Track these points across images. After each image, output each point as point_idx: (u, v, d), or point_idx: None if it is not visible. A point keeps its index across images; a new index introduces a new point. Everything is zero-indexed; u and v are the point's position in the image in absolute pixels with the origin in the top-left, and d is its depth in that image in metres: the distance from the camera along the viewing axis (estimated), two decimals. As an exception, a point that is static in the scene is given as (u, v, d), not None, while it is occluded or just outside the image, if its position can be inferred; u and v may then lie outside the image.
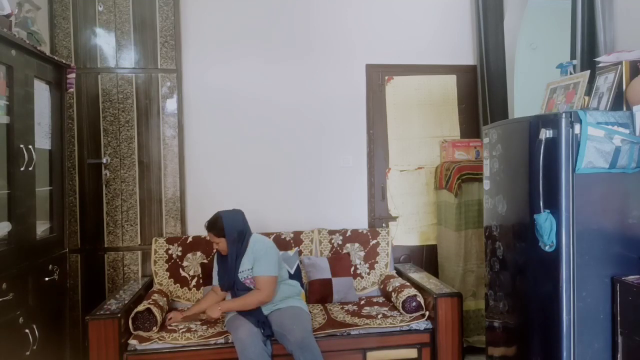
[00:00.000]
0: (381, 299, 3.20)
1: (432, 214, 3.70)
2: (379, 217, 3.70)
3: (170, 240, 3.21)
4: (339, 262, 3.25)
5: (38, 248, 2.39)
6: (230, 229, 2.65)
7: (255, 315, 2.60)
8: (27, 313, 2.21)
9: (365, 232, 3.43)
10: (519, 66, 3.74)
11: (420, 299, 2.87)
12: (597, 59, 2.34)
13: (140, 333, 2.60)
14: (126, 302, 2.68)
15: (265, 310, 2.66)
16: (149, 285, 3.13)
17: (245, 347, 2.43)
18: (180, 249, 3.19)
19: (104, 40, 3.31)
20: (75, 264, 3.24)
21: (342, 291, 3.16)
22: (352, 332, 2.72)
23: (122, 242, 3.32)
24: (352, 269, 3.31)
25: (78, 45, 3.27)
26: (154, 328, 2.63)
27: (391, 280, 3.18)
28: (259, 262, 2.65)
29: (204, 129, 3.49)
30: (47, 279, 2.44)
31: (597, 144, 1.96)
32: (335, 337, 2.69)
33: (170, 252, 3.18)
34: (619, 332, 1.96)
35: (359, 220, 3.66)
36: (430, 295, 2.80)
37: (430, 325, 2.79)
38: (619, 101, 2.13)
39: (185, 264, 3.17)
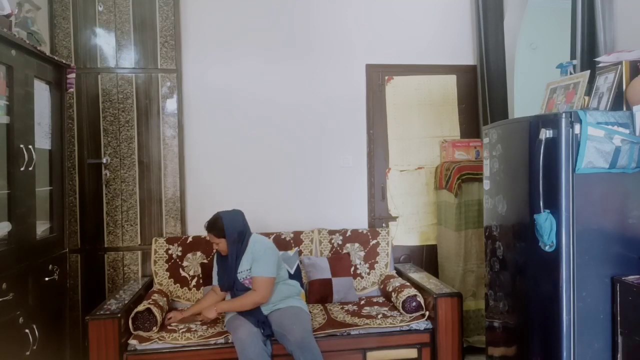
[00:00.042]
0: (381, 299, 3.20)
1: (432, 214, 3.70)
2: (379, 217, 3.70)
3: (170, 240, 3.21)
4: (339, 262, 3.25)
5: (38, 248, 2.39)
6: (230, 229, 2.65)
7: (255, 315, 2.60)
8: (27, 313, 2.21)
9: (365, 232, 3.43)
10: (519, 66, 3.74)
11: (420, 299, 2.87)
12: (597, 59, 2.34)
13: (140, 333, 2.60)
14: (126, 302, 2.68)
15: (265, 310, 2.66)
16: (149, 285, 3.13)
17: (245, 347, 2.43)
18: (180, 249, 3.19)
19: (104, 40, 3.31)
20: (75, 264, 3.24)
21: (342, 291, 3.16)
22: (352, 332, 2.72)
23: (122, 242, 3.32)
24: (352, 269, 3.31)
25: (78, 45, 3.27)
26: (154, 328, 2.63)
27: (391, 280, 3.18)
28: (257, 262, 2.65)
29: (204, 129, 3.49)
30: (47, 279, 2.44)
31: (597, 144, 1.96)
32: (335, 337, 2.69)
33: (170, 252, 3.18)
34: (619, 332, 1.96)
35: (359, 220, 3.66)
36: (430, 295, 2.80)
37: (430, 325, 2.79)
38: (619, 101, 2.13)
39: (185, 264, 3.17)
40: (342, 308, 3.02)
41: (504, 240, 2.42)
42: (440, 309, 2.74)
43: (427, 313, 2.84)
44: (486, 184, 2.62)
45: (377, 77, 3.70)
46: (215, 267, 2.83)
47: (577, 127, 1.98)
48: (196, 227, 3.33)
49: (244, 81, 3.53)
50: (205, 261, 3.16)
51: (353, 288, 3.22)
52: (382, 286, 3.27)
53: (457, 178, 3.29)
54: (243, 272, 2.68)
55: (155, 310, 2.66)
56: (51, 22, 3.22)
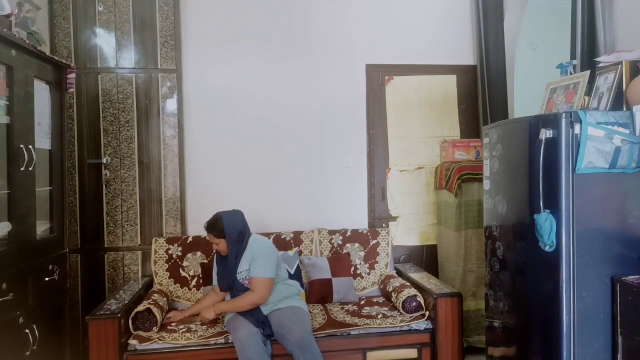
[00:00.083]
0: (381, 299, 3.20)
1: (432, 214, 3.70)
2: (379, 217, 3.70)
3: (170, 240, 3.21)
4: (339, 262, 3.25)
5: (38, 248, 2.39)
6: (230, 229, 2.65)
7: (255, 315, 2.60)
8: (27, 313, 2.21)
9: (365, 232, 3.43)
10: (519, 66, 3.74)
11: (420, 299, 2.87)
12: (597, 59, 2.34)
13: (140, 333, 2.60)
14: (126, 302, 2.68)
15: (265, 310, 2.66)
16: (149, 285, 3.13)
17: (244, 347, 2.43)
18: (180, 249, 3.19)
19: (104, 40, 3.31)
20: (75, 264, 3.24)
21: (342, 291, 3.16)
22: (352, 332, 2.72)
23: (122, 242, 3.32)
24: (352, 269, 3.31)
25: (78, 45, 3.27)
26: (154, 328, 2.63)
27: (391, 280, 3.18)
28: (256, 263, 2.65)
29: (204, 129, 3.49)
30: (47, 279, 2.44)
31: (597, 144, 1.96)
32: (335, 337, 2.69)
33: (170, 252, 3.18)
34: (619, 332, 1.96)
35: (359, 220, 3.66)
36: (430, 295, 2.80)
37: (430, 325, 2.79)
38: (619, 101, 2.13)
39: (185, 264, 3.17)
40: (342, 308, 3.02)
41: (504, 240, 2.42)
42: (440, 309, 2.74)
43: (427, 313, 2.84)
44: (486, 184, 2.62)
45: (377, 77, 3.70)
46: (215, 267, 2.83)
47: (577, 127, 1.98)
48: (196, 227, 3.33)
49: (244, 81, 3.53)
50: (205, 261, 3.16)
51: (353, 288, 3.22)
52: (382, 286, 3.27)
53: (457, 178, 3.29)
54: (242, 272, 2.68)
55: (155, 310, 2.66)
56: (51, 22, 3.22)
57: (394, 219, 3.70)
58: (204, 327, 2.72)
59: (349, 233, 3.41)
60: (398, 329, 2.75)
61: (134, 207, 3.33)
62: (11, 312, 2.09)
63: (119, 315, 2.49)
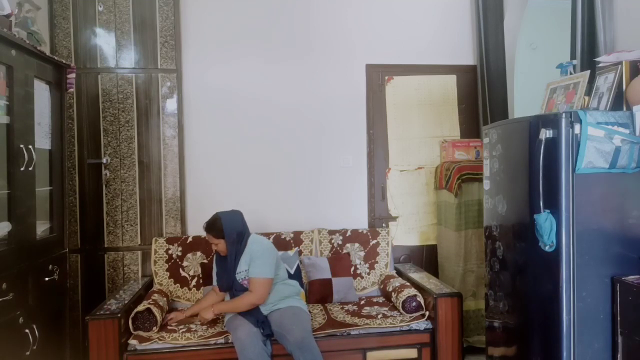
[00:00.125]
0: (381, 299, 3.20)
1: (432, 214, 3.70)
2: (379, 217, 3.70)
3: (170, 240, 3.21)
4: (339, 262, 3.25)
5: (38, 248, 2.39)
6: (229, 230, 2.65)
7: (254, 315, 2.60)
8: (27, 313, 2.21)
9: (365, 232, 3.43)
10: (519, 66, 3.74)
11: (420, 299, 2.87)
12: (597, 59, 2.34)
13: (140, 333, 2.60)
14: (126, 302, 2.68)
15: (265, 310, 2.66)
16: (149, 285, 3.13)
17: (244, 347, 2.43)
18: (180, 249, 3.19)
19: (104, 40, 3.31)
20: (75, 264, 3.24)
21: (342, 291, 3.16)
22: (352, 332, 2.72)
23: (122, 242, 3.32)
24: (352, 269, 3.31)
25: (78, 45, 3.27)
26: (154, 328, 2.63)
27: (391, 280, 3.18)
28: (254, 263, 2.64)
29: (204, 129, 3.49)
30: (47, 279, 2.44)
31: (597, 144, 1.96)
32: (335, 337, 2.69)
33: (170, 252, 3.18)
34: (619, 332, 1.96)
35: (359, 220, 3.66)
36: (430, 295, 2.80)
37: (430, 325, 2.79)
38: (619, 101, 2.13)
39: (185, 264, 3.17)
40: (342, 308, 3.02)
41: (504, 240, 2.42)
42: (440, 309, 2.74)
43: (427, 313, 2.84)
44: (486, 184, 2.62)
45: (377, 77, 3.70)
46: (215, 268, 2.83)
47: (577, 127, 1.98)
48: (196, 227, 3.33)
49: (244, 81, 3.53)
50: (205, 261, 3.16)
51: (353, 288, 3.22)
52: (382, 286, 3.27)
53: (457, 178, 3.29)
54: (241, 272, 2.68)
55: (155, 310, 2.66)
56: (51, 22, 3.22)
57: (394, 219, 3.70)
58: (204, 327, 2.72)
59: (349, 233, 3.41)
60: (398, 329, 2.75)
61: (134, 207, 3.33)
62: (11, 312, 2.09)
63: (119, 315, 2.49)
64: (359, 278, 3.32)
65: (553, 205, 2.03)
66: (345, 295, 3.16)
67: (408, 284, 3.06)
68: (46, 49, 2.88)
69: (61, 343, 2.61)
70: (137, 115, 3.33)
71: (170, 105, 3.37)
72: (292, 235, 3.35)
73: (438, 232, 3.64)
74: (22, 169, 2.22)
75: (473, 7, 3.72)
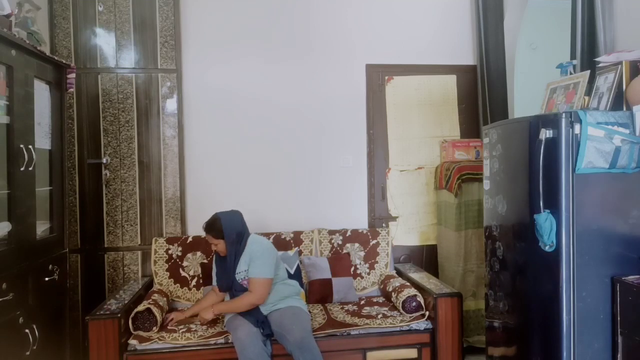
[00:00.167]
0: (381, 299, 3.20)
1: (432, 214, 3.70)
2: (379, 217, 3.70)
3: (170, 240, 3.21)
4: (339, 262, 3.25)
5: (38, 248, 2.39)
6: (229, 230, 2.65)
7: (254, 315, 2.60)
8: (27, 313, 2.21)
9: (365, 232, 3.43)
10: (519, 66, 3.74)
11: (420, 299, 2.87)
12: (597, 59, 2.34)
13: (140, 333, 2.60)
14: (126, 302, 2.68)
15: (265, 310, 2.66)
16: (149, 285, 3.13)
17: (244, 347, 2.43)
18: (180, 249, 3.19)
19: (104, 40, 3.31)
20: (75, 264, 3.24)
21: (342, 291, 3.16)
22: (352, 332, 2.72)
23: (122, 242, 3.32)
24: (352, 269, 3.31)
25: (78, 45, 3.27)
26: (154, 328, 2.63)
27: (391, 280, 3.18)
28: (254, 263, 2.64)
29: (204, 129, 3.49)
30: (47, 279, 2.44)
31: (597, 144, 1.96)
32: (335, 337, 2.69)
33: (170, 252, 3.18)
34: (619, 332, 1.96)
35: (359, 220, 3.66)
36: (430, 295, 2.80)
37: (430, 325, 2.79)
38: (619, 101, 2.13)
39: (185, 264, 3.17)
40: (342, 308, 3.02)
41: (504, 240, 2.42)
42: (440, 309, 2.74)
43: (427, 313, 2.84)
44: (486, 184, 2.62)
45: (377, 77, 3.70)
46: (214, 268, 2.83)
47: (577, 127, 1.98)
48: (196, 227, 3.33)
49: (244, 81, 3.53)
50: (205, 261, 3.16)
51: (353, 288, 3.22)
52: (382, 286, 3.27)
53: (457, 178, 3.29)
54: (241, 272, 2.68)
55: (155, 310, 2.66)
56: (51, 22, 3.22)
57: (394, 219, 3.70)
58: (204, 327, 2.72)
59: (349, 233, 3.41)
60: (398, 329, 2.75)
61: (134, 207, 3.33)
62: (11, 312, 2.09)
63: (119, 315, 2.49)
64: (359, 278, 3.32)
65: (553, 205, 2.03)
66: (345, 295, 3.16)
67: (408, 284, 3.06)
68: (46, 49, 2.88)
69: (61, 343, 2.61)
70: (137, 115, 3.33)
71: (170, 105, 3.37)
72: (292, 235, 3.35)
73: (438, 232, 3.64)
74: (22, 169, 2.22)
75: (473, 7, 3.72)
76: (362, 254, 3.37)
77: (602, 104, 2.19)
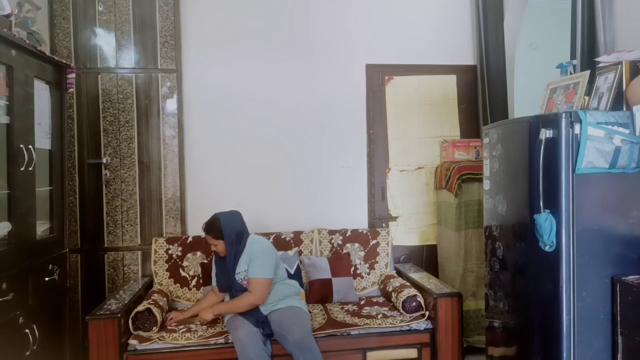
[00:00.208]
0: (381, 299, 3.20)
1: (432, 214, 3.70)
2: (379, 217, 3.70)
3: (170, 240, 3.21)
4: (339, 262, 3.25)
5: (38, 248, 2.39)
6: (228, 230, 2.65)
7: (254, 315, 2.60)
8: (27, 313, 2.21)
9: (365, 232, 3.43)
10: (519, 66, 3.74)
11: (420, 299, 2.87)
12: (597, 59, 2.34)
13: (140, 333, 2.60)
14: (126, 302, 2.68)
15: (265, 310, 2.66)
16: (149, 285, 3.13)
17: (244, 347, 2.43)
18: (180, 249, 3.19)
19: (104, 40, 3.31)
20: (75, 264, 3.24)
21: (342, 291, 3.16)
22: (352, 332, 2.72)
23: (122, 242, 3.32)
24: (352, 269, 3.31)
25: (78, 45, 3.27)
26: (154, 328, 2.63)
27: (391, 280, 3.18)
28: (254, 263, 2.64)
29: (204, 129, 3.49)
30: (47, 279, 2.44)
31: (597, 144, 1.96)
32: (335, 337, 2.69)
33: (170, 252, 3.18)
34: (619, 332, 1.96)
35: (359, 220, 3.66)
36: (430, 295, 2.80)
37: (430, 325, 2.79)
38: (619, 101, 2.13)
39: (185, 264, 3.17)
40: (342, 308, 3.02)
41: (504, 240, 2.42)
42: (440, 309, 2.74)
43: (427, 313, 2.84)
44: (486, 184, 2.62)
45: (377, 77, 3.70)
46: (214, 268, 2.82)
47: (577, 127, 1.98)
48: (196, 227, 3.32)
49: (244, 81, 3.53)
50: (205, 261, 3.16)
51: (353, 288, 3.22)
52: (382, 286, 3.27)
53: (457, 178, 3.29)
54: (241, 272, 2.68)
55: (155, 310, 2.66)
56: (51, 22, 3.22)
57: (394, 219, 3.70)
58: (204, 327, 2.72)
59: (349, 233, 3.41)
60: (398, 329, 2.75)
61: (134, 207, 3.33)
62: (11, 312, 2.09)
63: (119, 315, 2.49)
64: (359, 278, 3.32)
65: (553, 205, 2.03)
66: (345, 295, 3.16)
67: (408, 284, 3.06)
68: (46, 49, 2.88)
69: (61, 343, 2.61)
70: (137, 115, 3.33)
71: (170, 105, 3.37)
72: (292, 235, 3.35)
73: (438, 232, 3.64)
74: (22, 169, 2.22)
75: (473, 7, 3.72)
76: (362, 254, 3.37)
77: (602, 104, 2.19)
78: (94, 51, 3.30)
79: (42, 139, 2.53)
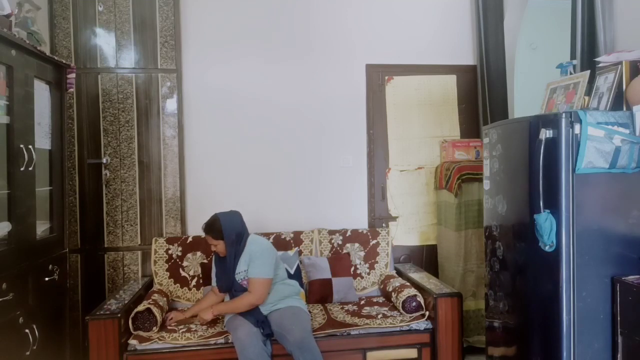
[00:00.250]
0: (381, 299, 3.20)
1: (432, 214, 3.70)
2: (379, 217, 3.70)
3: (170, 240, 3.21)
4: (339, 262, 3.25)
5: (38, 248, 2.39)
6: (228, 231, 2.65)
7: (254, 315, 2.60)
8: (27, 313, 2.20)
9: (365, 232, 3.43)
10: (519, 66, 3.74)
11: (420, 299, 2.87)
12: (597, 59, 2.34)
13: (140, 333, 2.60)
14: (126, 302, 2.68)
15: (265, 310, 2.66)
16: (149, 285, 3.13)
17: (244, 347, 2.43)
18: (180, 249, 3.19)
19: (104, 40, 3.31)
20: (75, 264, 3.24)
21: (342, 291, 3.16)
22: (352, 332, 2.72)
23: (122, 242, 3.32)
24: (352, 269, 3.31)
25: (78, 45, 3.27)
26: (154, 328, 2.63)
27: (391, 280, 3.18)
28: (253, 263, 2.64)
29: (204, 129, 3.49)
30: (47, 279, 2.44)
31: (597, 144, 1.96)
32: (335, 337, 2.69)
33: (170, 252, 3.18)
34: (619, 332, 1.96)
35: (359, 220, 3.66)
36: (430, 295, 2.80)
37: (430, 325, 2.79)
38: (619, 101, 2.13)
39: (185, 264, 3.17)
40: (342, 308, 3.02)
41: (504, 240, 2.42)
42: (440, 309, 2.74)
43: (427, 313, 2.84)
44: (486, 184, 2.62)
45: (377, 77, 3.70)
46: (214, 269, 2.82)
47: (577, 127, 1.98)
48: (196, 227, 3.32)
49: (244, 81, 3.53)
50: (205, 261, 3.16)
51: (353, 288, 3.22)
52: (382, 286, 3.27)
53: (457, 178, 3.29)
54: (241, 272, 2.68)
55: (155, 310, 2.66)
56: (51, 22, 3.22)
57: (394, 219, 3.70)
58: (204, 327, 2.72)
59: (349, 233, 3.41)
60: (398, 329, 2.75)
61: (134, 207, 3.33)
62: (11, 312, 2.09)
63: (119, 315, 2.49)
64: (359, 278, 3.32)
65: (553, 205, 2.03)
66: (345, 295, 3.16)
67: (408, 284, 3.06)
68: (46, 49, 2.88)
69: (61, 343, 2.61)
70: (137, 115, 3.33)
71: (170, 105, 3.37)
72: (292, 235, 3.35)
73: (438, 232, 3.64)
74: (22, 169, 2.22)
75: (473, 7, 3.72)
76: (362, 254, 3.37)
77: (602, 104, 2.19)
78: (94, 51, 3.30)
79: (42, 139, 2.53)
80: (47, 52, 2.55)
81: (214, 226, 2.66)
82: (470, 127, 3.75)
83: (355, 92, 3.66)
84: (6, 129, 2.16)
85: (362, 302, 3.15)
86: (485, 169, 2.63)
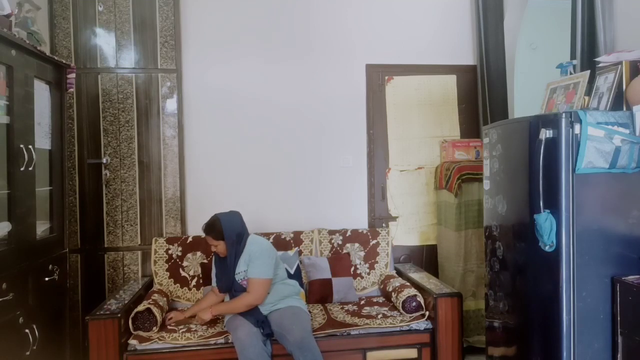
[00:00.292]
0: (381, 299, 3.20)
1: (432, 214, 3.70)
2: (379, 217, 3.70)
3: (170, 240, 3.21)
4: (339, 262, 3.25)
5: (38, 248, 2.39)
6: (229, 231, 2.64)
7: (254, 315, 2.60)
8: (27, 313, 2.21)
9: (365, 232, 3.43)
10: (519, 66, 3.74)
11: (420, 299, 2.87)
12: (597, 59, 2.34)
13: (140, 333, 2.60)
14: (126, 302, 2.68)
15: (265, 310, 2.66)
16: (149, 285, 3.13)
17: (244, 347, 2.43)
18: (180, 249, 3.19)
19: (104, 40, 3.31)
20: (75, 264, 3.24)
21: (342, 291, 3.16)
22: (352, 332, 2.72)
23: (122, 242, 3.32)
24: (352, 269, 3.31)
25: (78, 45, 3.27)
26: (154, 328, 2.63)
27: (391, 280, 3.18)
28: (253, 263, 2.64)
29: (204, 129, 3.49)
30: (47, 279, 2.44)
31: (597, 144, 1.96)
32: (335, 337, 2.69)
33: (170, 252, 3.18)
34: (619, 332, 1.96)
35: (359, 220, 3.66)
36: (430, 295, 2.80)
37: (430, 325, 2.79)
38: (619, 101, 2.13)
39: (185, 264, 3.17)
40: (342, 308, 3.02)
41: (504, 240, 2.42)
42: (440, 309, 2.74)
43: (427, 313, 2.84)
44: (486, 184, 2.62)
45: (377, 77, 3.70)
46: (214, 269, 2.82)
47: (577, 127, 1.98)
48: (196, 227, 3.33)
49: (244, 81, 3.53)
50: (205, 261, 3.16)
51: (353, 288, 3.22)
52: (382, 286, 3.27)
53: (457, 178, 3.29)
54: (240, 273, 2.68)
55: (155, 310, 2.66)
56: (51, 22, 3.22)
57: (394, 219, 3.70)
58: (204, 327, 2.72)
59: (349, 233, 3.41)
60: (398, 329, 2.75)
61: (134, 207, 3.33)
62: (11, 312, 2.09)
63: (119, 315, 2.49)
64: (359, 278, 3.32)
65: (553, 205, 2.03)
66: (345, 295, 3.16)
67: (408, 284, 3.06)
68: (46, 49, 2.88)
69: (61, 343, 2.61)
70: (137, 115, 3.33)
71: (170, 105, 3.37)
72: (292, 235, 3.35)
73: (438, 232, 3.64)
74: (22, 169, 2.22)
75: (473, 7, 3.72)
76: (362, 254, 3.37)
77: (602, 104, 2.19)
78: (94, 51, 3.30)
79: (42, 139, 2.53)
80: (47, 52, 2.55)
81: (214, 227, 2.66)
82: (470, 127, 3.75)
83: (355, 92, 3.66)
84: (6, 129, 2.16)
85: (362, 302, 3.15)
86: (485, 169, 2.63)
